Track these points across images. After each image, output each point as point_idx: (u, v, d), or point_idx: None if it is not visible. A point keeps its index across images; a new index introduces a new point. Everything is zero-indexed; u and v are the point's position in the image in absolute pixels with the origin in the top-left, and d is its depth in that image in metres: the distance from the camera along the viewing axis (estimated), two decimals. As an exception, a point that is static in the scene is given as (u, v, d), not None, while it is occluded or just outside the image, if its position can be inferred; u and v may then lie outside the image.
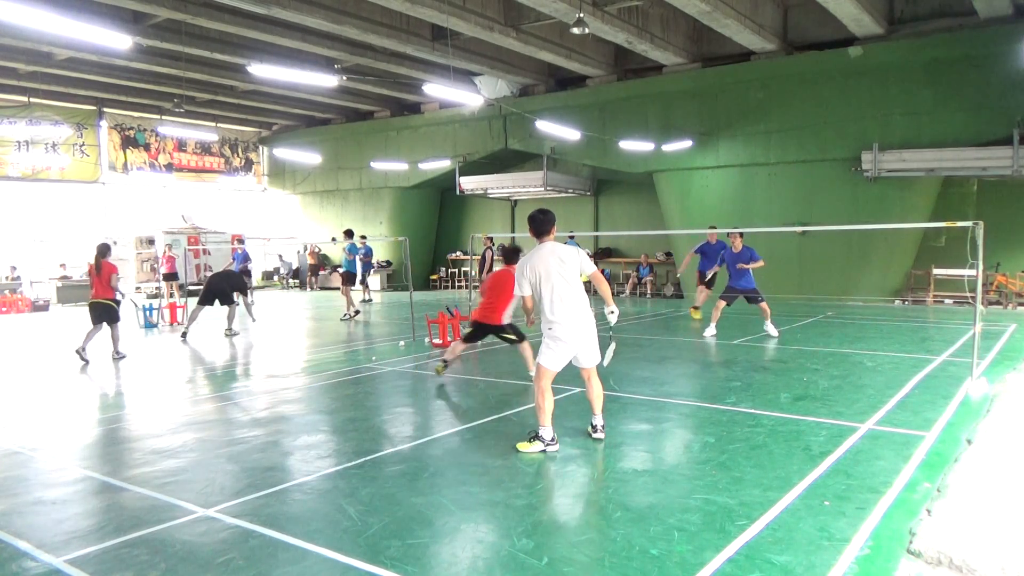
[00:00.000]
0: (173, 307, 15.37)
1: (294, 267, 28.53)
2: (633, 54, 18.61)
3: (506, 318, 7.90)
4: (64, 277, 21.01)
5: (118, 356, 10.42)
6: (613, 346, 5.81)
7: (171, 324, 14.89)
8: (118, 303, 10.57)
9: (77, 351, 10.12)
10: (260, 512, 4.32)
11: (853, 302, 16.86)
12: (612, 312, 5.59)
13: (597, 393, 5.59)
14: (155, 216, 24.94)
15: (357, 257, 16.57)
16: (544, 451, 5.32)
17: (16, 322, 16.67)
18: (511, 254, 7.78)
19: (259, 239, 27.05)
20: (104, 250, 10.64)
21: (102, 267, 10.40)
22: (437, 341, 11.16)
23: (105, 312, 10.42)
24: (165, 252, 20.08)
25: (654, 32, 16.64)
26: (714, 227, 14.01)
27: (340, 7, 14.85)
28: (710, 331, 11.41)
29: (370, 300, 19.64)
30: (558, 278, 5.30)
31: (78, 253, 22.62)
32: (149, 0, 13.81)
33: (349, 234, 15.98)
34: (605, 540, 3.83)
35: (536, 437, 5.38)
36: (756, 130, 18.19)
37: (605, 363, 5.66)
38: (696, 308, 13.85)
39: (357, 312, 15.64)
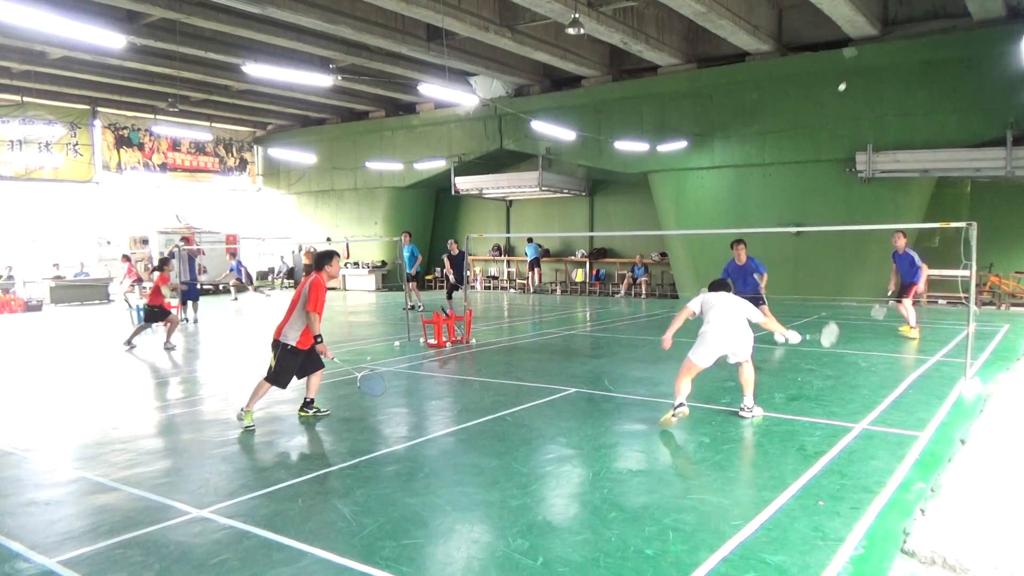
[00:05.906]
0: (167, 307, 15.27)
1: (289, 267, 28.51)
2: (628, 55, 18.61)
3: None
4: (57, 277, 20.89)
5: (169, 346, 11.65)
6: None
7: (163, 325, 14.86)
8: (163, 309, 12.08)
9: (164, 347, 11.56)
10: (255, 513, 4.31)
11: (847, 302, 16.90)
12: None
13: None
14: (149, 216, 24.84)
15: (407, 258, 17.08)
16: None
17: (9, 322, 16.57)
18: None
19: (254, 239, 27.00)
20: (165, 262, 13.28)
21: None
22: (432, 341, 11.14)
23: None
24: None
25: (649, 33, 16.65)
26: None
27: (335, 7, 14.80)
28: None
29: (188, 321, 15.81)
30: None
31: (71, 253, 22.55)
32: (143, -1, 13.77)
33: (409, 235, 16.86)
34: (600, 540, 3.83)
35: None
36: (751, 131, 18.21)
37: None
38: (912, 327, 11.47)
39: (413, 307, 16.30)
